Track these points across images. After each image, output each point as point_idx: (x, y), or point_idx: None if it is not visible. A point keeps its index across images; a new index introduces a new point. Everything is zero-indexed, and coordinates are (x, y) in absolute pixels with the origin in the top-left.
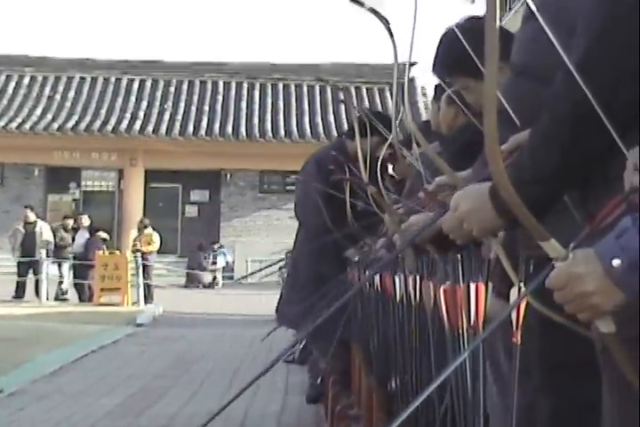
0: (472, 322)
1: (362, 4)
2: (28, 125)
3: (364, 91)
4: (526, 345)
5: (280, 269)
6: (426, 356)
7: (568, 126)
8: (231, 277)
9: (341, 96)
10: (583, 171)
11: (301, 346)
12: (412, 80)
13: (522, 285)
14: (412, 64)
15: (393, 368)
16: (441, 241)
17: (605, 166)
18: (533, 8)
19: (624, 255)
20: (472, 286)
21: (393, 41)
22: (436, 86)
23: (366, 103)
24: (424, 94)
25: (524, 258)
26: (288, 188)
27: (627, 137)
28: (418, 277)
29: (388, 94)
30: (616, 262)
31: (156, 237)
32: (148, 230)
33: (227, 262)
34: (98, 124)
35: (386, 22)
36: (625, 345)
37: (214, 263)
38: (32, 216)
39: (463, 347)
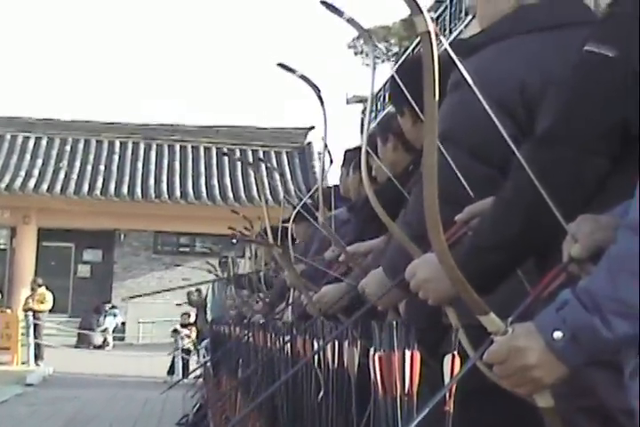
0: (407, 390)
1: (293, 71)
2: None
3: (261, 154)
4: (459, 414)
5: (173, 331)
6: (342, 420)
7: (531, 196)
8: (122, 339)
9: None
10: (542, 239)
11: (195, 409)
12: (309, 144)
13: (455, 353)
14: (310, 128)
15: None
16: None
17: (564, 234)
18: (468, 79)
19: (565, 327)
20: (407, 354)
21: (323, 106)
22: (345, 152)
23: (263, 167)
24: (319, 159)
25: (459, 327)
26: (182, 249)
27: (597, 201)
28: (337, 343)
29: (284, 157)
30: (557, 335)
31: (48, 297)
32: (41, 289)
33: (116, 324)
34: None
35: (317, 89)
36: (581, 414)
37: (102, 324)
38: None
39: (400, 414)
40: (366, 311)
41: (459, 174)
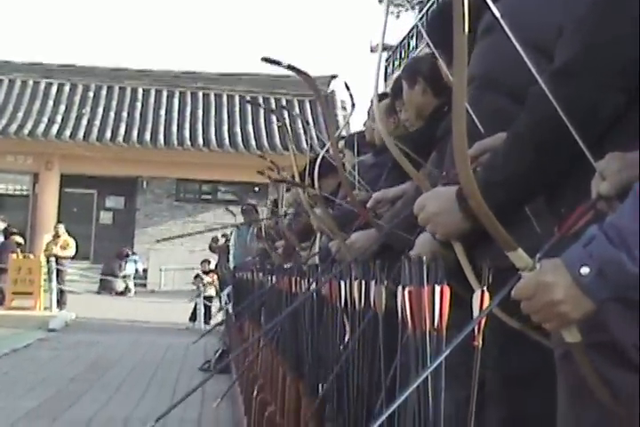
0: (436, 325)
1: (279, 63)
2: None
3: (284, 102)
4: (484, 351)
5: (195, 278)
6: (367, 360)
7: (547, 128)
8: (144, 285)
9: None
10: (554, 175)
11: (218, 354)
12: (332, 93)
13: (485, 289)
14: (333, 77)
15: (323, 374)
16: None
17: (576, 173)
18: (500, 20)
19: (592, 263)
20: (437, 289)
21: (317, 92)
22: (372, 99)
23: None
24: (343, 108)
25: (487, 266)
26: (204, 197)
27: (609, 139)
28: (364, 282)
29: (307, 106)
30: (584, 270)
31: (72, 243)
32: (65, 235)
33: (136, 270)
34: (14, 127)
35: (307, 76)
36: (593, 350)
37: (123, 271)
38: None
39: (429, 348)
40: (394, 255)
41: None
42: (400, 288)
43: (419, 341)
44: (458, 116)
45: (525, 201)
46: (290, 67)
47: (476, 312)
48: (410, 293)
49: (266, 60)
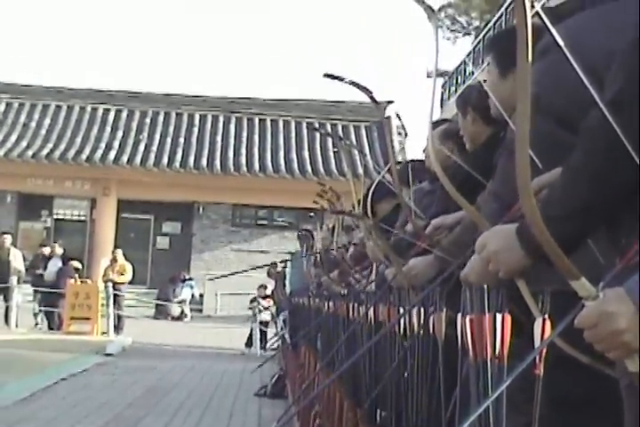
0: (497, 353)
1: (342, 79)
2: (2, 152)
3: (340, 128)
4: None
5: (252, 301)
6: (427, 387)
7: (601, 160)
8: (200, 311)
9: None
10: (613, 206)
11: (274, 380)
12: (387, 118)
13: (546, 317)
14: (389, 102)
15: (381, 401)
16: None
17: (634, 201)
18: (560, 43)
19: None
20: (498, 317)
21: (378, 107)
22: (432, 124)
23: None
24: (399, 133)
25: (547, 292)
26: (260, 222)
27: None
28: (422, 310)
29: (363, 132)
30: None
31: (128, 268)
32: (121, 261)
33: (192, 295)
34: (72, 152)
35: (369, 92)
36: None
37: (179, 296)
38: (8, 243)
39: (490, 376)
40: (452, 283)
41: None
42: (460, 316)
43: (480, 369)
44: (521, 146)
45: (587, 233)
46: (352, 83)
47: (537, 340)
48: (471, 320)
49: (328, 75)
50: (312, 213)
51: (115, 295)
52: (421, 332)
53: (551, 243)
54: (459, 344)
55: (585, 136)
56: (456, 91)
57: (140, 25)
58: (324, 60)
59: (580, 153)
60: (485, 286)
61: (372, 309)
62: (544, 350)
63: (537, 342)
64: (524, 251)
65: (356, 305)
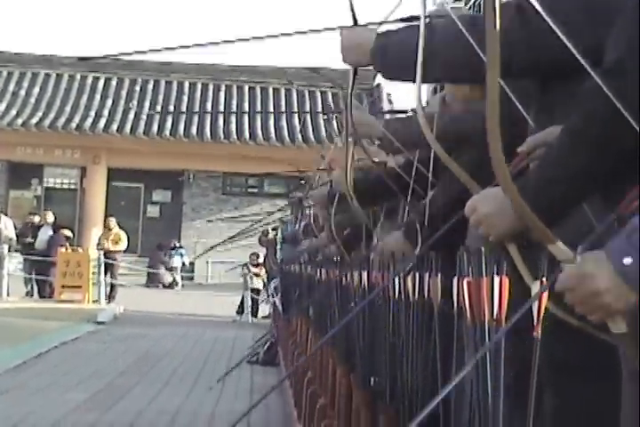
0: (495, 315)
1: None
2: None
3: (330, 95)
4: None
5: (243, 267)
6: (421, 352)
7: (600, 127)
8: (191, 278)
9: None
10: (609, 171)
11: (266, 347)
12: (377, 86)
13: (544, 279)
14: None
15: (375, 366)
16: None
17: (634, 170)
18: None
19: (635, 253)
20: (496, 279)
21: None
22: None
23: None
24: (389, 101)
25: (546, 255)
26: (250, 190)
27: None
28: (418, 275)
29: (307, 94)
30: (627, 261)
31: (123, 236)
32: (116, 229)
33: (183, 263)
34: (62, 121)
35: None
36: None
37: (169, 264)
38: None
39: (488, 339)
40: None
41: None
42: (456, 279)
43: (477, 331)
44: (491, 113)
45: (586, 196)
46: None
47: (535, 304)
48: (469, 283)
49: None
50: (302, 180)
51: (107, 264)
52: (416, 296)
53: (524, 206)
54: (454, 308)
55: (585, 100)
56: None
57: None
58: (313, 22)
59: (579, 117)
60: (482, 249)
61: (365, 274)
62: (541, 313)
63: (534, 304)
64: (516, 214)
65: (349, 271)
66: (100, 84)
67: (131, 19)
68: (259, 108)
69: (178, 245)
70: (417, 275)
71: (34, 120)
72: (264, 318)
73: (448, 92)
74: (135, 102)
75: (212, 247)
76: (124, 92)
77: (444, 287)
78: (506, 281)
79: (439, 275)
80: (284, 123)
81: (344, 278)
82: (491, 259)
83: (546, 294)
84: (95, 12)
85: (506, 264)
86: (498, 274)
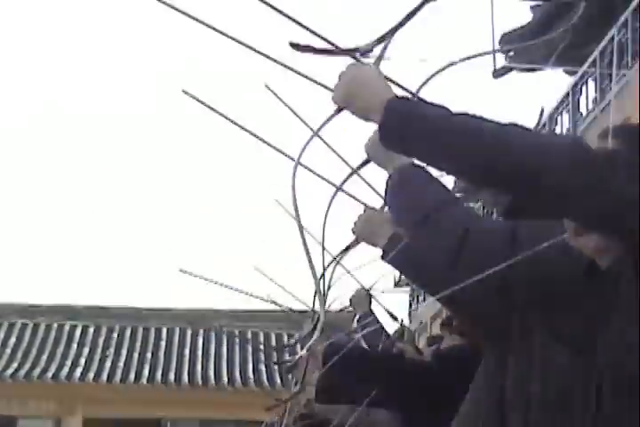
0: None
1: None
2: None
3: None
4: None
5: None
6: None
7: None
8: None
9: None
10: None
11: None
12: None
13: None
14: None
15: None
16: None
17: None
18: None
19: None
20: None
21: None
22: None
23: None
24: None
25: None
26: None
27: None
28: None
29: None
30: None
31: None
32: None
33: None
34: (38, 371)
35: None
36: None
37: None
38: None
39: None
40: None
41: None
42: None
43: None
44: None
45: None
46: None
47: None
48: None
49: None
50: None
51: None
52: None
53: None
54: None
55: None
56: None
57: (100, 240)
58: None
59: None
60: None
61: None
62: None
63: None
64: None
65: None
66: (77, 332)
67: (102, 264)
68: (237, 352)
69: None
70: None
71: (9, 371)
72: None
73: None
74: (112, 350)
75: None
76: (101, 340)
77: None
78: None
79: None
80: (262, 367)
81: None
82: None
83: None
84: (73, 262)
85: None
86: None
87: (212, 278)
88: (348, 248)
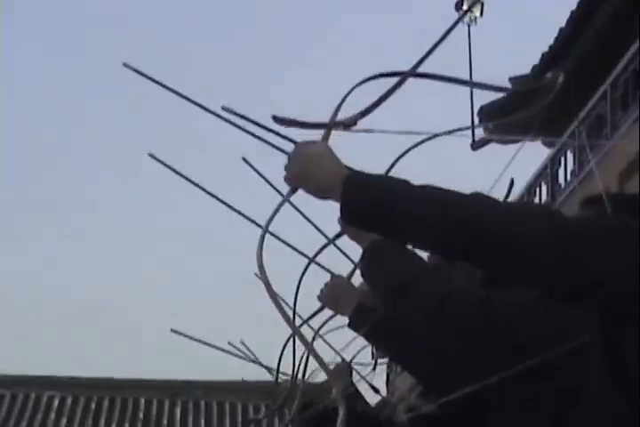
0: None
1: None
2: None
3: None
4: None
5: None
6: None
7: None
8: None
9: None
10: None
11: None
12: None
13: None
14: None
15: None
16: None
17: None
18: None
19: None
20: None
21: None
22: None
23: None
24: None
25: None
26: None
27: None
28: None
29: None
30: None
31: None
32: None
33: None
34: None
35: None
36: None
37: None
38: None
39: None
40: None
41: None
42: None
43: None
44: None
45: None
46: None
47: None
48: None
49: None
50: None
51: None
52: None
53: None
54: None
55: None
56: None
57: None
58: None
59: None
60: None
61: None
62: None
63: None
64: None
65: None
66: (56, 402)
67: (81, 335)
68: (215, 424)
69: None
70: None
71: None
72: None
73: None
74: (90, 421)
75: None
76: (79, 410)
77: None
78: None
79: None
80: None
81: None
82: None
83: None
84: (50, 333)
85: None
86: None
87: (204, 340)
88: (313, 315)
